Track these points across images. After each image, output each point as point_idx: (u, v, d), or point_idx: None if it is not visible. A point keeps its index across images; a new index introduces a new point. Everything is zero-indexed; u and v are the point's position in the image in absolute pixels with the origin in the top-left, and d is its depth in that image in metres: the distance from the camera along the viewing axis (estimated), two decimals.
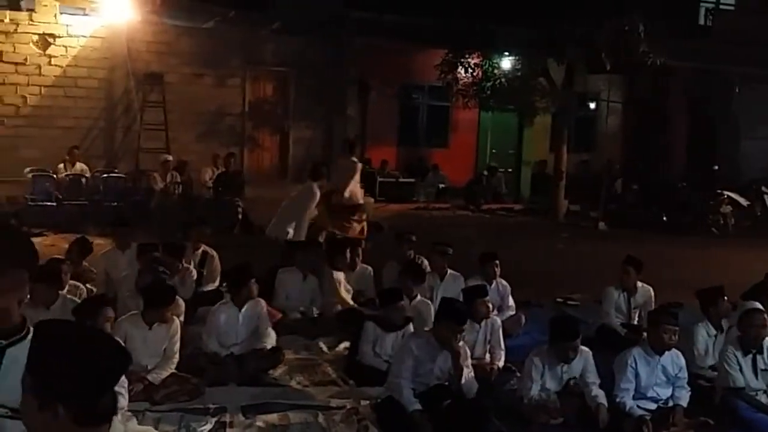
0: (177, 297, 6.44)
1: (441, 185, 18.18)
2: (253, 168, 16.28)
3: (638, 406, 5.35)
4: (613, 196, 17.65)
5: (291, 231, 9.71)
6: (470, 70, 16.72)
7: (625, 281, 7.38)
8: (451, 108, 18.75)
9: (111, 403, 1.91)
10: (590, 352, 5.49)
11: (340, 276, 7.87)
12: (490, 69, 16.80)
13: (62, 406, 1.81)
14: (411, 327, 6.13)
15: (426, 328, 5.84)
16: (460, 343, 5.31)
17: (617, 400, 5.35)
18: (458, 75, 16.80)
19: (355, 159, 11.21)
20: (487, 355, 6.36)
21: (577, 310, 8.44)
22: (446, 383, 5.32)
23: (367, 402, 5.58)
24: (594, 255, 11.94)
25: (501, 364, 6.30)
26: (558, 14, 14.38)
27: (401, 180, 17.76)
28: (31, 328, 2.28)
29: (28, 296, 5.48)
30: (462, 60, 16.50)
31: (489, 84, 16.72)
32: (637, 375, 5.41)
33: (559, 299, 9.03)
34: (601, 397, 5.34)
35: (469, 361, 5.41)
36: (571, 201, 17.10)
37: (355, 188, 10.94)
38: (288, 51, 16.04)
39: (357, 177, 11.01)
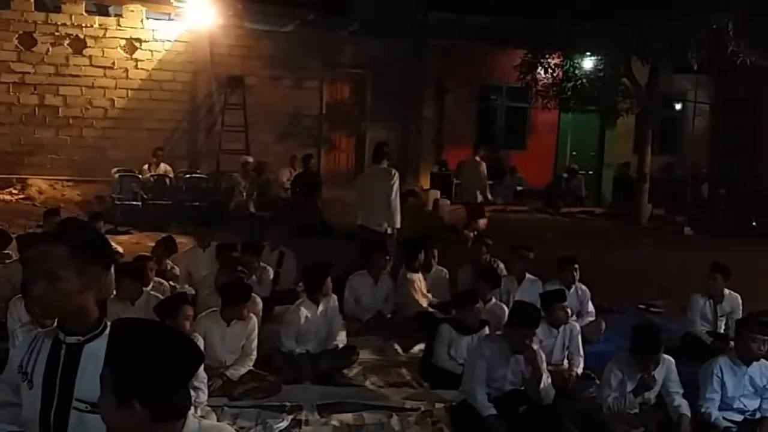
0: (254, 295, 6.54)
1: (519, 187, 17.93)
2: (329, 169, 16.42)
3: (724, 418, 5.14)
4: (699, 200, 17.06)
5: (386, 224, 8.75)
6: (550, 71, 16.43)
7: (712, 288, 7.11)
8: (529, 109, 18.47)
9: (185, 400, 1.96)
10: (673, 361, 5.30)
11: (415, 278, 7.83)
12: (571, 69, 16.47)
13: (139, 403, 1.86)
14: (486, 330, 6.06)
15: (498, 333, 5.75)
16: (535, 346, 5.21)
17: (702, 410, 5.16)
18: (538, 76, 16.54)
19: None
20: (566, 362, 6.22)
21: (661, 317, 8.19)
22: (522, 388, 5.22)
23: (442, 405, 5.55)
24: (679, 261, 11.55)
25: (579, 370, 6.15)
26: (642, 12, 13.97)
27: None
28: (108, 324, 2.31)
29: (114, 291, 5.75)
30: (542, 60, 16.23)
31: (570, 85, 16.40)
32: (723, 385, 5.20)
33: (641, 306, 8.76)
34: (685, 408, 5.15)
35: (545, 366, 5.30)
36: (655, 205, 16.61)
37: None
38: (365, 53, 16.12)
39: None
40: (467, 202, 13.20)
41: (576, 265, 7.39)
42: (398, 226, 8.69)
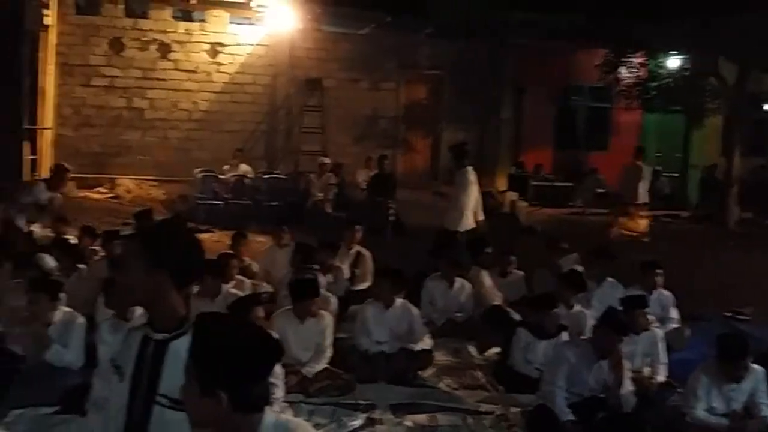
0: (329, 294, 6.62)
1: (599, 190, 17.51)
2: (405, 170, 16.43)
3: None
4: None
5: (460, 223, 8.84)
6: (633, 70, 16.02)
7: None
8: (611, 109, 18.05)
9: (265, 393, 2.04)
10: (763, 371, 5.07)
11: (484, 273, 7.78)
12: (656, 68, 16.02)
13: (223, 392, 1.93)
14: (564, 336, 5.94)
15: (582, 337, 5.63)
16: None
17: None
18: (620, 75, 16.15)
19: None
20: (647, 369, 6.03)
21: (749, 325, 7.84)
22: (601, 395, 5.09)
23: (518, 409, 5.48)
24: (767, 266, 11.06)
25: (662, 378, 5.96)
26: (731, 9, 13.46)
27: (556, 184, 17.28)
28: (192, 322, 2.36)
29: (197, 288, 5.91)
30: (624, 59, 15.84)
31: (654, 84, 15.95)
32: None
33: (728, 313, 8.42)
34: None
35: (628, 373, 5.16)
36: (743, 208, 15.97)
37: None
38: (442, 54, 16.08)
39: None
40: (621, 203, 13.98)
41: (659, 270, 7.17)
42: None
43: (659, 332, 6.22)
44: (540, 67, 16.91)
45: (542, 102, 17.76)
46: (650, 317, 6.29)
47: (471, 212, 8.85)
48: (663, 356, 6.04)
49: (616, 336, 4.98)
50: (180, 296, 2.37)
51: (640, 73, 16.21)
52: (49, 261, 7.44)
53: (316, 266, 6.92)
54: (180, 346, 2.25)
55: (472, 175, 8.92)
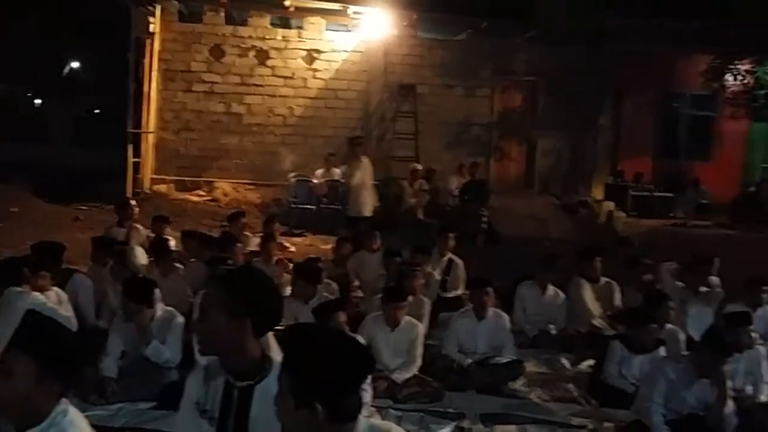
0: (422, 297, 6.59)
1: (702, 201, 16.84)
2: (499, 178, 16.25)
3: None
4: None
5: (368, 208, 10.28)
6: (740, 77, 15.36)
7: None
8: (715, 118, 17.35)
9: (358, 402, 2.05)
10: None
11: (587, 286, 7.57)
12: (764, 76, 15.31)
13: (318, 403, 1.94)
14: (662, 351, 5.72)
15: (684, 353, 5.41)
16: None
17: None
18: (726, 82, 15.51)
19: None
20: (749, 387, 5.74)
21: None
22: (701, 414, 4.87)
23: (611, 424, 5.32)
24: None
25: (764, 398, 5.66)
26: None
27: (656, 194, 16.73)
28: (276, 362, 2.36)
29: (290, 289, 6.00)
30: (731, 66, 15.21)
31: (762, 92, 15.24)
32: None
33: None
34: None
35: (730, 392, 4.92)
36: None
37: None
38: (538, 60, 15.83)
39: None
40: None
41: (765, 287, 6.84)
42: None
43: (763, 350, 5.92)
44: (641, 73, 16.42)
45: (642, 109, 17.24)
46: (754, 335, 6.00)
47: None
48: (766, 375, 5.75)
49: (720, 357, 4.76)
50: (258, 342, 2.40)
51: (747, 81, 15.53)
52: (141, 256, 7.71)
53: (405, 269, 6.90)
54: (266, 388, 2.30)
55: (369, 164, 10.21)
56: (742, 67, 15.41)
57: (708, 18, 14.16)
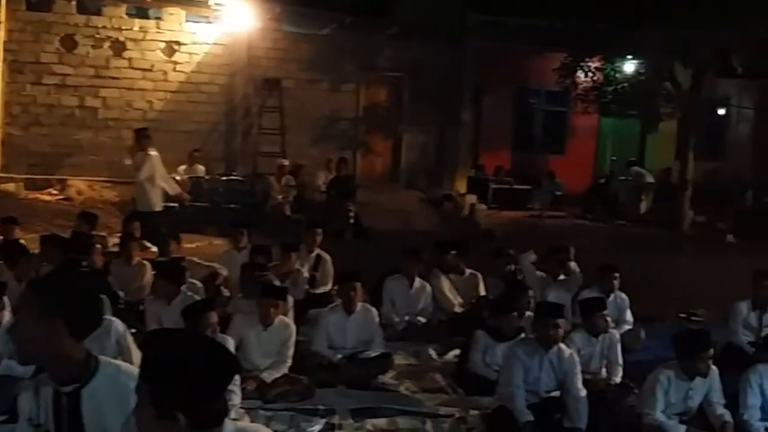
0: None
1: (557, 193, 17.70)
2: (365, 173, 16.38)
3: (766, 429, 5.02)
4: (742, 207, 16.66)
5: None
6: (590, 74, 16.21)
7: (759, 297, 6.89)
8: (568, 113, 18.26)
9: (223, 406, 1.99)
10: (716, 371, 5.13)
11: (444, 278, 7.81)
12: (612, 73, 16.24)
13: (180, 413, 1.86)
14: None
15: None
16: (571, 353, 5.19)
17: (743, 418, 5.04)
18: (577, 79, 16.33)
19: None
20: (604, 370, 6.08)
21: (701, 326, 7.94)
22: (558, 395, 5.12)
23: (477, 411, 5.48)
24: (721, 269, 11.26)
25: (618, 380, 6.01)
26: (685, 16, 13.70)
27: (515, 187, 17.42)
28: (100, 361, 2.38)
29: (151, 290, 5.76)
30: (582, 63, 16.03)
31: (610, 88, 16.17)
32: (763, 394, 5.08)
33: (681, 315, 8.55)
34: (728, 416, 5.04)
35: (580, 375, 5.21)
36: (697, 212, 16.27)
37: None
38: (403, 56, 16.05)
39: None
40: None
41: (617, 274, 7.26)
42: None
43: (616, 334, 6.27)
44: (499, 70, 17.04)
45: (501, 104, 17.90)
46: (608, 320, 6.34)
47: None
48: (619, 358, 6.09)
49: (550, 319, 5.09)
50: (77, 343, 2.34)
51: (596, 78, 16.41)
52: None
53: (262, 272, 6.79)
54: (93, 390, 2.30)
55: (158, 157, 10.17)
56: (593, 65, 16.23)
57: (560, 17, 14.84)
